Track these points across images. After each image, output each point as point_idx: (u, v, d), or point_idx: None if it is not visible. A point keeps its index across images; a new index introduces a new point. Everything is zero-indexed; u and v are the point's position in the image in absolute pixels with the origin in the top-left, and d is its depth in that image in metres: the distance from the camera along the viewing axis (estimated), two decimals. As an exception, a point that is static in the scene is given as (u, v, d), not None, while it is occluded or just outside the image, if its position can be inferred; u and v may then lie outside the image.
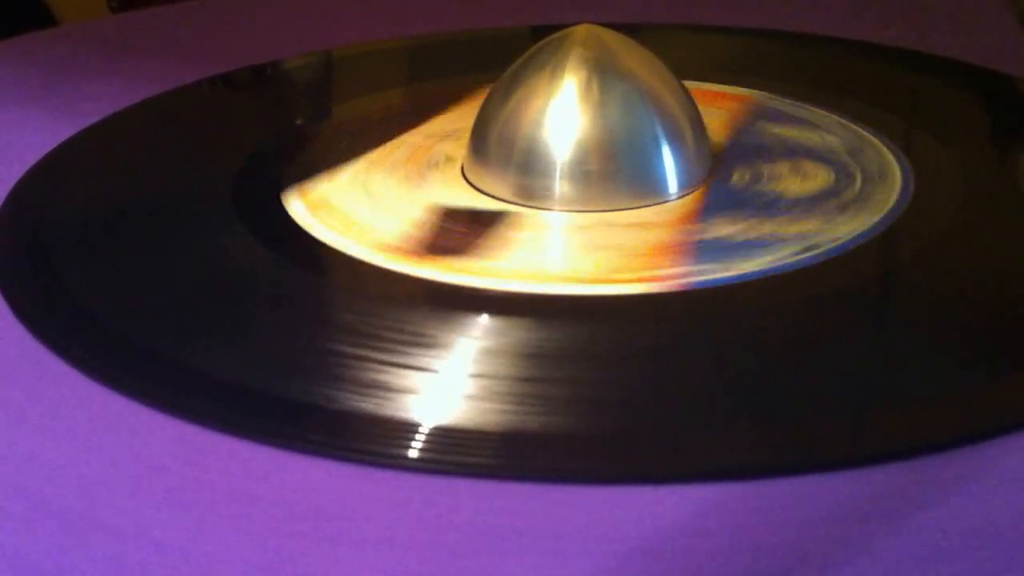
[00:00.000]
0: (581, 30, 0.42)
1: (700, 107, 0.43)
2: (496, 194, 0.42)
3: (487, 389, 0.32)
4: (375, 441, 0.30)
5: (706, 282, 0.36)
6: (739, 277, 0.36)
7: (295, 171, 0.44)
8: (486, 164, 0.42)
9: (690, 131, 0.42)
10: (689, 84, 0.44)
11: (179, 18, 0.67)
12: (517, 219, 0.40)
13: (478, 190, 0.42)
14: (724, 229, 0.39)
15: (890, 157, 0.44)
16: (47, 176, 0.45)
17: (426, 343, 0.33)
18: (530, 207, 0.41)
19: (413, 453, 0.29)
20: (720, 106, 0.48)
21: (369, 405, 0.31)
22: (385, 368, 0.32)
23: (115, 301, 0.37)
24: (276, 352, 0.34)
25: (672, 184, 0.41)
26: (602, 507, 0.27)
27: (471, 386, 0.32)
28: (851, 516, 0.27)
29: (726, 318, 0.35)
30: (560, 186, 0.41)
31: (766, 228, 0.39)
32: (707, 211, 0.40)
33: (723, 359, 0.33)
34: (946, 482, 0.28)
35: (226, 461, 0.29)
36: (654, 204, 0.41)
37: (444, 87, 0.52)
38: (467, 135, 0.44)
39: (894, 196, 0.41)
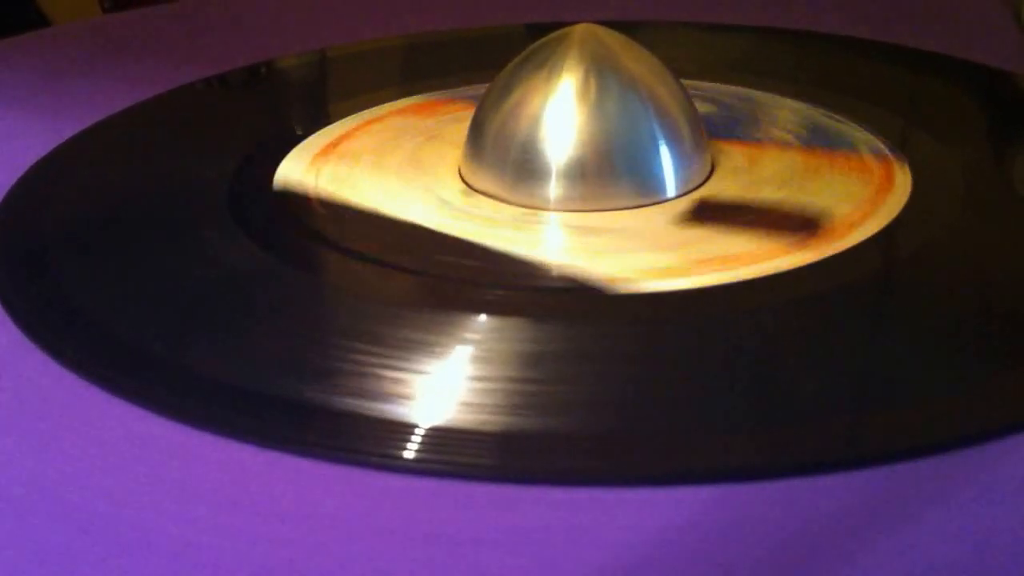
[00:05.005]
0: (580, 29, 0.42)
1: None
2: (492, 193, 0.41)
3: (485, 390, 0.31)
4: (372, 443, 0.30)
5: (705, 281, 0.36)
6: (738, 277, 0.36)
7: (291, 172, 0.44)
8: (483, 163, 0.42)
9: (688, 131, 0.42)
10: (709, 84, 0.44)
11: (172, 18, 0.67)
12: (514, 218, 0.40)
13: (475, 190, 0.42)
14: (717, 228, 0.39)
15: (889, 156, 0.44)
16: (42, 179, 0.45)
17: (423, 344, 0.33)
18: (527, 206, 0.41)
19: (410, 455, 0.29)
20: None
21: (366, 407, 0.31)
22: (382, 369, 0.32)
23: (111, 303, 0.36)
24: (273, 354, 0.33)
25: (670, 184, 0.41)
26: (601, 508, 0.27)
27: (468, 387, 0.32)
28: (851, 517, 0.26)
29: (725, 318, 0.35)
30: (557, 186, 0.40)
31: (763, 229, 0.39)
32: (705, 211, 0.40)
33: (722, 359, 0.33)
34: (947, 482, 0.28)
35: (222, 463, 0.29)
36: (652, 204, 0.41)
37: (441, 86, 0.52)
38: (464, 134, 0.43)
39: (893, 195, 0.41)
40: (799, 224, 0.39)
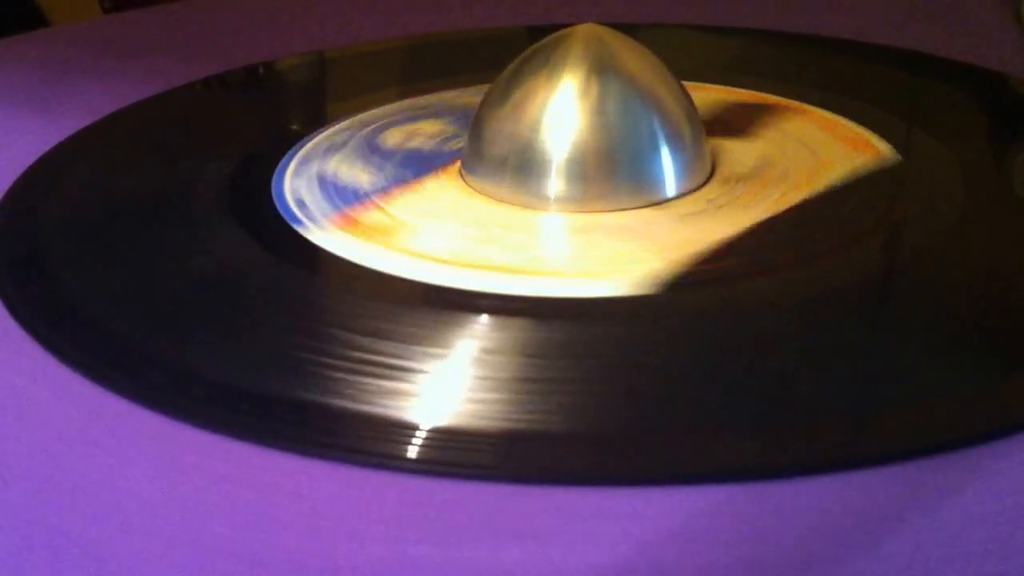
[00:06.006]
0: (582, 30, 0.42)
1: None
2: (493, 195, 0.41)
3: (486, 390, 0.31)
4: (372, 443, 0.30)
5: (706, 282, 0.36)
6: (737, 277, 0.36)
7: (290, 172, 0.44)
8: (483, 164, 0.42)
9: (689, 132, 0.42)
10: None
11: (172, 18, 0.67)
12: (515, 219, 0.40)
13: (475, 190, 0.42)
14: (717, 231, 0.39)
15: (889, 157, 0.44)
16: (42, 178, 0.45)
17: (424, 343, 0.33)
18: (527, 207, 0.41)
19: (410, 455, 0.29)
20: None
21: (366, 406, 0.31)
22: (382, 369, 0.32)
23: (111, 302, 0.36)
24: (273, 353, 0.33)
25: (670, 185, 0.41)
26: (602, 507, 0.27)
27: (470, 387, 0.32)
28: (851, 518, 0.26)
29: (726, 318, 0.35)
30: (557, 187, 0.40)
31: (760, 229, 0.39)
32: (704, 212, 0.40)
33: (722, 359, 0.33)
34: (947, 483, 0.27)
35: (222, 463, 0.29)
36: (652, 205, 0.41)
37: (441, 87, 0.52)
38: (464, 135, 0.43)
39: (893, 196, 0.41)
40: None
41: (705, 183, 0.42)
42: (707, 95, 0.49)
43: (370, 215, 0.41)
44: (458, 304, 0.35)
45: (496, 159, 0.41)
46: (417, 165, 0.44)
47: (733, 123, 0.47)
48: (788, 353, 0.33)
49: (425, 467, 0.29)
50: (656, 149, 0.41)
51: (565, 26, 0.43)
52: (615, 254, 0.38)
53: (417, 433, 0.30)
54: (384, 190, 0.43)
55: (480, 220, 0.40)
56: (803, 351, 0.33)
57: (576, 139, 0.40)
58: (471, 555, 0.26)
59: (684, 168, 0.41)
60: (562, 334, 0.34)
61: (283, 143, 0.47)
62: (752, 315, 0.35)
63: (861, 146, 0.45)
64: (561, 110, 0.41)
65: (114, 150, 0.49)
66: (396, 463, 0.29)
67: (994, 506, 0.27)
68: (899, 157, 0.44)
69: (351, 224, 0.40)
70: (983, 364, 0.32)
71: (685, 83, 0.43)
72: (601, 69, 0.41)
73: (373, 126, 0.48)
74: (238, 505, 0.28)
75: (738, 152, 0.44)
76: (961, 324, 0.35)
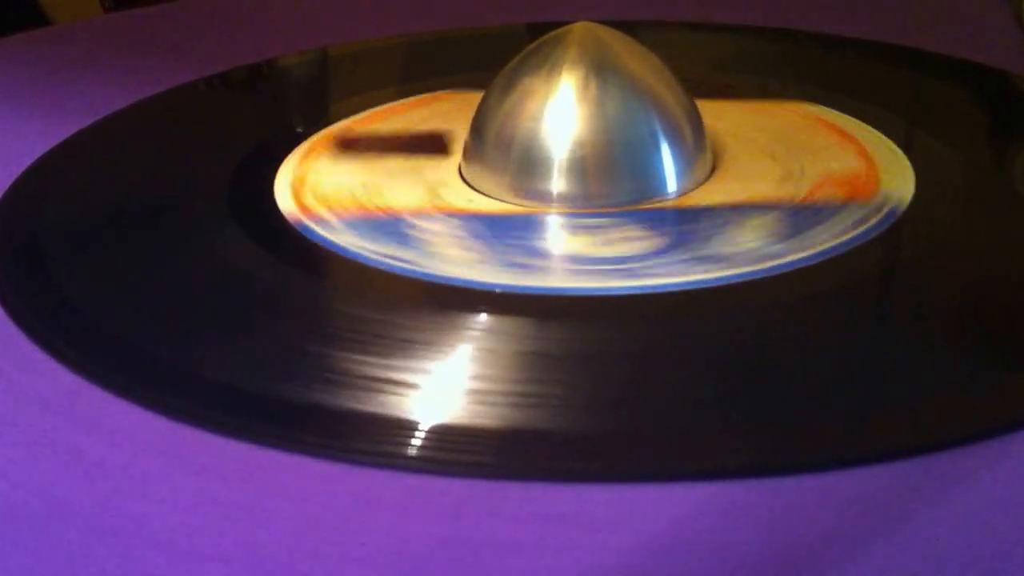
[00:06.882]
0: (579, 28, 0.42)
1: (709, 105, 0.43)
2: (493, 193, 0.41)
3: (485, 389, 0.32)
4: (372, 441, 0.30)
5: (706, 281, 0.36)
6: (738, 276, 0.36)
7: (291, 171, 0.44)
8: (483, 163, 0.42)
9: (689, 130, 0.42)
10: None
11: (173, 17, 0.67)
12: (515, 218, 0.40)
13: (475, 189, 0.42)
14: (718, 229, 0.39)
15: (889, 155, 0.44)
16: (42, 178, 0.45)
17: (423, 342, 0.33)
18: (527, 206, 0.41)
19: (411, 453, 0.29)
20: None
21: (366, 405, 0.31)
22: (382, 368, 0.32)
23: (111, 303, 0.36)
24: (273, 353, 0.33)
25: (671, 183, 0.41)
26: (602, 507, 0.27)
27: (469, 386, 0.32)
28: (850, 517, 0.26)
29: (725, 318, 0.35)
30: (557, 185, 0.40)
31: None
32: (702, 211, 0.40)
33: (722, 359, 0.33)
34: (946, 482, 0.27)
35: (222, 463, 0.29)
36: (652, 204, 0.41)
37: (441, 85, 0.52)
38: (464, 134, 0.43)
39: (893, 195, 0.41)
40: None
41: (706, 181, 0.42)
42: (706, 93, 0.49)
43: (371, 212, 0.41)
44: (459, 303, 0.35)
45: (495, 157, 0.41)
46: (419, 163, 0.44)
47: (733, 121, 0.47)
48: (787, 353, 0.33)
49: (424, 466, 0.29)
50: (656, 146, 0.41)
51: (566, 24, 0.43)
52: (615, 253, 0.38)
53: (416, 432, 0.30)
54: (383, 185, 0.43)
55: (480, 219, 0.40)
56: (802, 351, 0.33)
57: (576, 137, 0.40)
58: (470, 554, 0.26)
59: (685, 166, 0.41)
60: (561, 334, 0.34)
61: (284, 142, 0.47)
62: (751, 315, 0.35)
63: (861, 144, 0.45)
64: (561, 109, 0.41)
65: (115, 149, 0.49)
66: (395, 462, 0.29)
67: (993, 505, 0.27)
68: (900, 155, 0.44)
69: (352, 220, 0.40)
70: (981, 364, 0.32)
71: (684, 80, 0.43)
72: (600, 67, 0.41)
73: (373, 124, 0.48)
74: (238, 505, 0.28)
75: (738, 150, 0.44)
76: (961, 324, 0.35)
